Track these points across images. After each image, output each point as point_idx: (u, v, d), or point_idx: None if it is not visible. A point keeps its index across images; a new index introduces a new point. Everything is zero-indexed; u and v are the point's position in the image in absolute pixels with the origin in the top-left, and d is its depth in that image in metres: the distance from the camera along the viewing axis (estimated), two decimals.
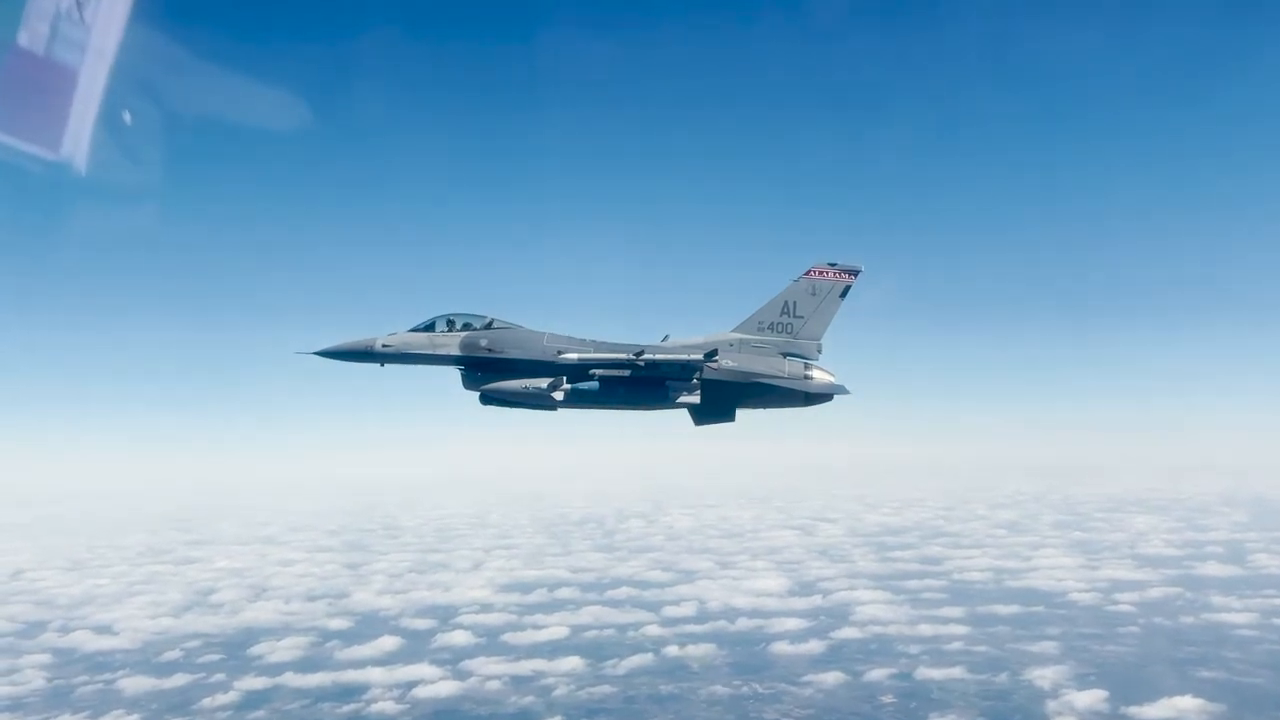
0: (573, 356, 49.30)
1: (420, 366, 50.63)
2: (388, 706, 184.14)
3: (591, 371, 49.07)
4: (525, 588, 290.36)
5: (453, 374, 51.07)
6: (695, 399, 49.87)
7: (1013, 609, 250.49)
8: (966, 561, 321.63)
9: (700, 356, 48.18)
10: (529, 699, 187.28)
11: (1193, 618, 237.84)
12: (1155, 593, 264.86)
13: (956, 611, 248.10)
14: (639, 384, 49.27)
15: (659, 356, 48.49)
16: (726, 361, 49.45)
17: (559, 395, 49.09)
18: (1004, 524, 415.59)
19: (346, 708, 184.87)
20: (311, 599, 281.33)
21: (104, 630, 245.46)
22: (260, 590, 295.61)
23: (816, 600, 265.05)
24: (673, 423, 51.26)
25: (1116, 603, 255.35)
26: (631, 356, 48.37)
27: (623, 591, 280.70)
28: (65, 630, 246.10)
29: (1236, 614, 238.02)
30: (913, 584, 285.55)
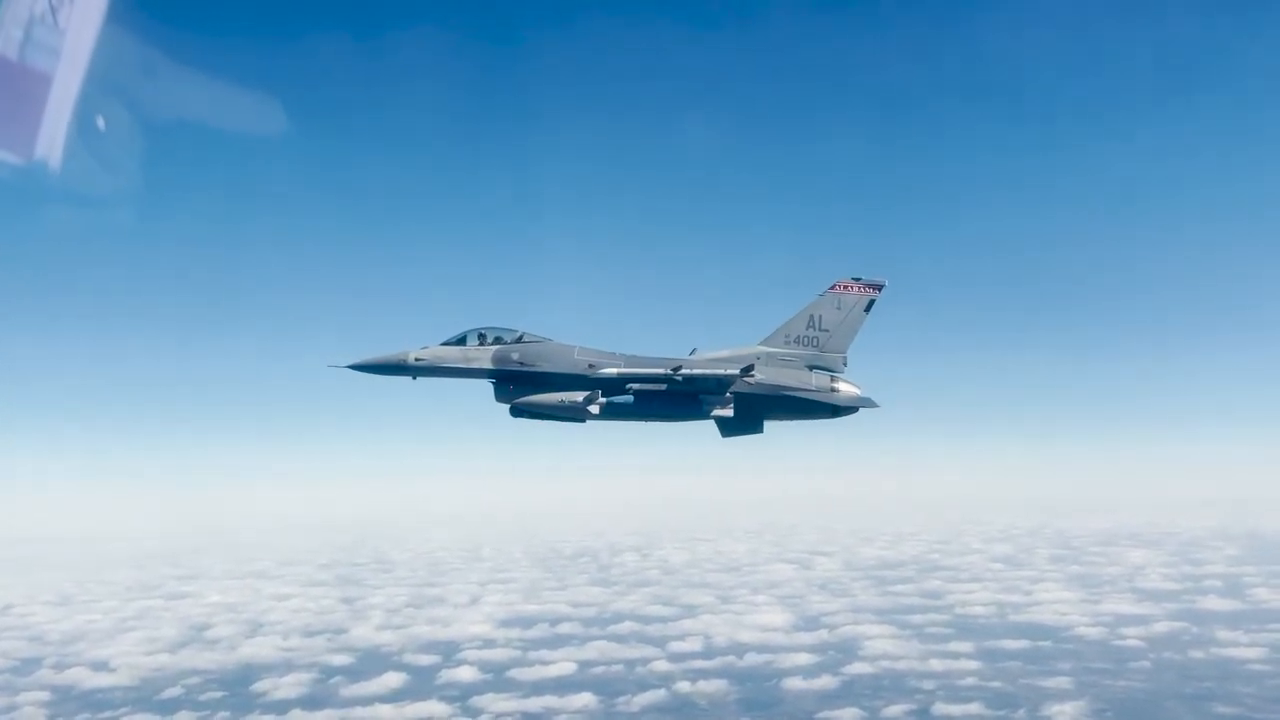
0: (611, 372, 50.23)
1: (450, 379, 51.14)
2: None
3: (628, 386, 50.04)
4: (526, 622, 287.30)
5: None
6: (728, 412, 51.39)
7: (1021, 644, 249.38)
8: (968, 595, 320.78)
9: (737, 371, 49.28)
10: None
11: (1202, 652, 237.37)
12: (1161, 627, 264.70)
13: (965, 646, 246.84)
14: (673, 398, 50.45)
15: (696, 372, 49.62)
16: (756, 374, 50.36)
17: (595, 409, 50.15)
18: (1000, 558, 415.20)
19: None
20: (310, 634, 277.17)
21: (100, 667, 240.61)
22: (256, 626, 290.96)
23: (823, 635, 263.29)
24: (698, 435, 52.58)
25: (1123, 637, 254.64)
26: (669, 372, 49.36)
27: (626, 626, 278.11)
28: (61, 667, 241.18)
29: (1245, 649, 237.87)
30: (917, 618, 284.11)
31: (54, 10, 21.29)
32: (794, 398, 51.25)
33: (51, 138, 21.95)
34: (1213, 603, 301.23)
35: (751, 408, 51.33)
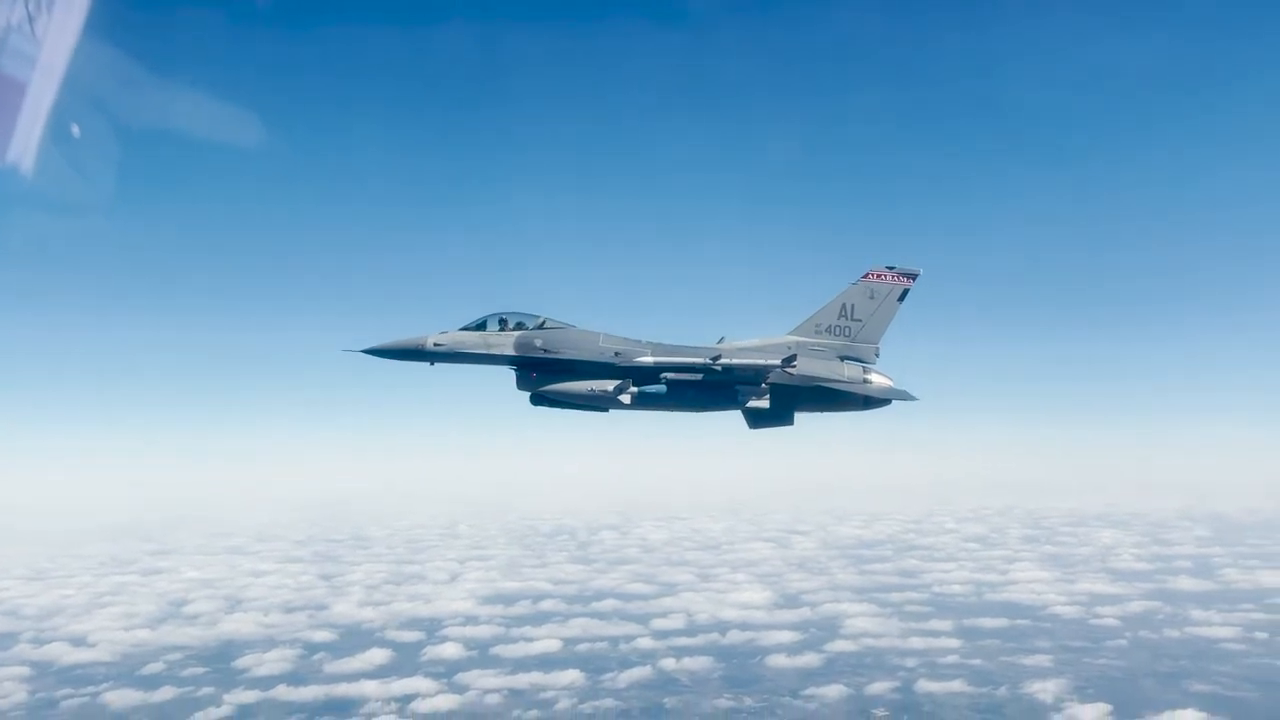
0: (647, 360, 48.22)
1: (471, 366, 48.98)
2: None
3: (662, 376, 48.05)
4: (507, 600, 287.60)
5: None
6: (764, 404, 49.43)
7: (999, 622, 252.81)
8: (944, 574, 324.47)
9: (778, 362, 47.44)
10: (532, 713, 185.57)
11: (1177, 631, 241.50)
12: (1135, 606, 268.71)
13: (944, 624, 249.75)
14: (709, 389, 48.54)
15: (735, 361, 47.77)
16: (797, 366, 48.43)
17: (626, 399, 47.97)
18: (974, 538, 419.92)
19: None
20: (290, 610, 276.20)
21: (79, 642, 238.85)
22: (235, 601, 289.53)
23: (805, 613, 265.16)
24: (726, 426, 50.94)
25: (1099, 616, 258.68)
26: (707, 361, 47.54)
27: (608, 604, 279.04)
28: (39, 642, 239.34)
29: (1218, 628, 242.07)
30: (895, 597, 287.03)
31: (30, 19, 21.08)
32: (827, 389, 49.59)
33: (24, 144, 21.74)
34: (1184, 583, 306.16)
35: (786, 399, 49.69)
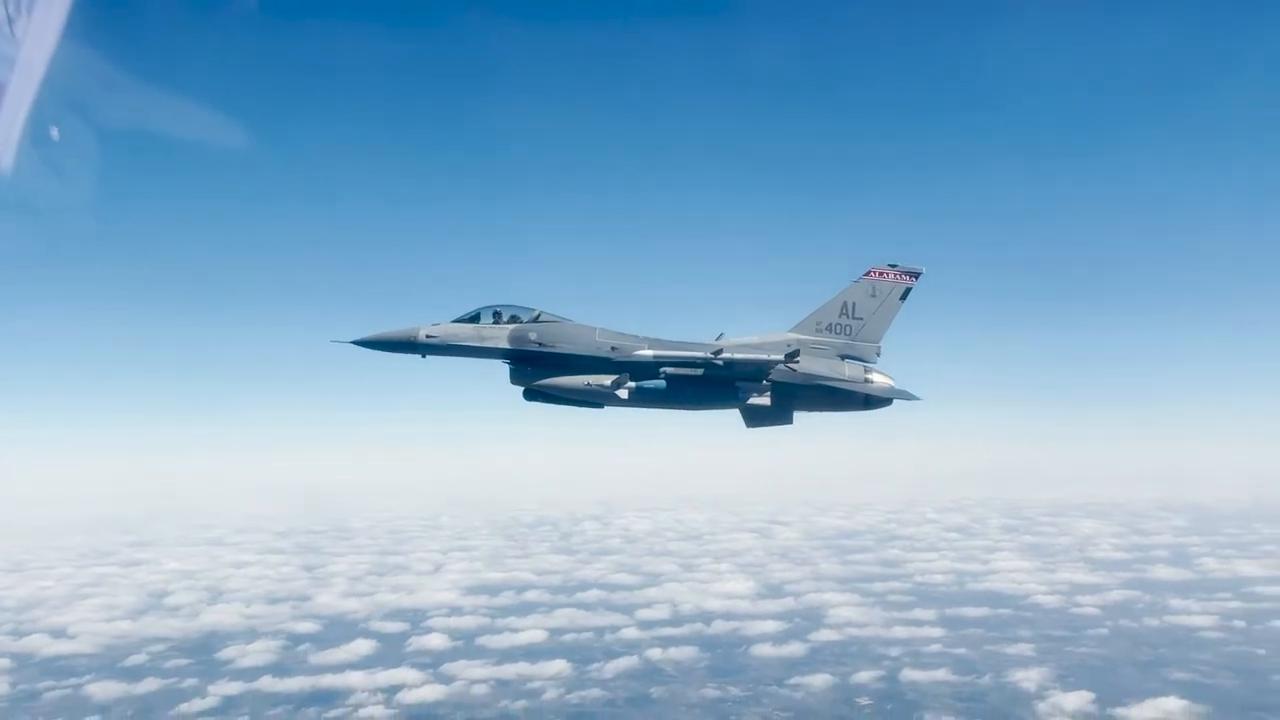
0: (646, 354, 47.29)
1: (462, 359, 47.83)
2: (376, 712, 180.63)
3: (661, 370, 47.06)
4: (492, 590, 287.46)
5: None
6: (765, 401, 48.58)
7: (981, 611, 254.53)
8: (926, 564, 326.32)
9: (781, 357, 46.58)
10: (519, 703, 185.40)
11: (1156, 620, 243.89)
12: (1115, 595, 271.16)
13: (927, 614, 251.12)
14: (709, 384, 47.51)
15: (738, 356, 46.57)
16: (800, 362, 47.67)
17: (623, 394, 46.97)
18: (954, 528, 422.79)
19: (332, 713, 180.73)
20: (273, 602, 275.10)
21: (60, 634, 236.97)
22: (217, 593, 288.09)
23: (789, 603, 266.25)
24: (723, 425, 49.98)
25: (1079, 605, 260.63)
26: (709, 355, 46.47)
27: (592, 594, 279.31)
28: (18, 634, 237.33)
29: (1197, 616, 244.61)
30: (878, 586, 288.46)
31: (10, 21, 20.89)
32: (828, 388, 48.45)
33: (3, 145, 21.59)
34: (1163, 572, 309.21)
35: (787, 397, 48.68)
